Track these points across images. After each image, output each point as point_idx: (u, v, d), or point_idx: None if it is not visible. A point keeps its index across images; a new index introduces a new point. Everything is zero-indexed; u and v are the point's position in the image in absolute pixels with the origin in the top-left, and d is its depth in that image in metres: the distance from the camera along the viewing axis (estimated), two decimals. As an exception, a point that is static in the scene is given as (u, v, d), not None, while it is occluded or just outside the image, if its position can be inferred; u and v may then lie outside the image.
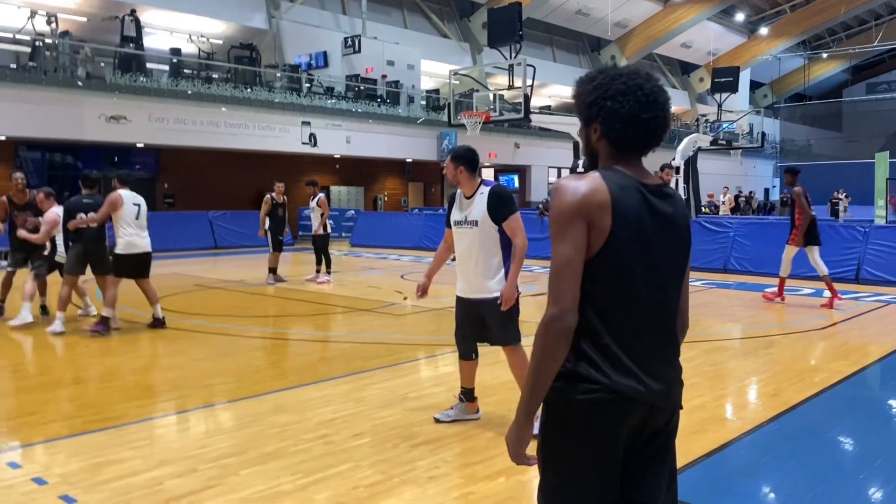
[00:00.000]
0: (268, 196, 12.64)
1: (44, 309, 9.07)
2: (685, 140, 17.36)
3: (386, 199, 28.65)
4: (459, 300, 4.80)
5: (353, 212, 24.11)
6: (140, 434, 4.69)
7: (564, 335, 1.88)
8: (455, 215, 4.75)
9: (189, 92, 20.38)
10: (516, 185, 31.32)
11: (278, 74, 23.98)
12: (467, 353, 4.89)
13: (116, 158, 21.41)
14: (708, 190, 27.93)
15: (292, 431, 4.68)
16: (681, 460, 4.11)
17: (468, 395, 4.95)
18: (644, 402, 1.94)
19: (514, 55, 15.07)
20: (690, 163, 17.08)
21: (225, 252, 19.33)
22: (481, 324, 4.70)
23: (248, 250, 19.54)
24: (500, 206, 4.52)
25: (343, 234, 22.77)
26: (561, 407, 1.96)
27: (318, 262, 12.75)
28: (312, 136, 22.84)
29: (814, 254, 9.63)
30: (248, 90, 21.97)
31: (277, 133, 22.04)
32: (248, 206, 23.16)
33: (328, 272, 12.75)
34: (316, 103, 23.45)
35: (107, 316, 7.82)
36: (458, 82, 18.89)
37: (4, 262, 10.54)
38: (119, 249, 8.21)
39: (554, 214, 1.94)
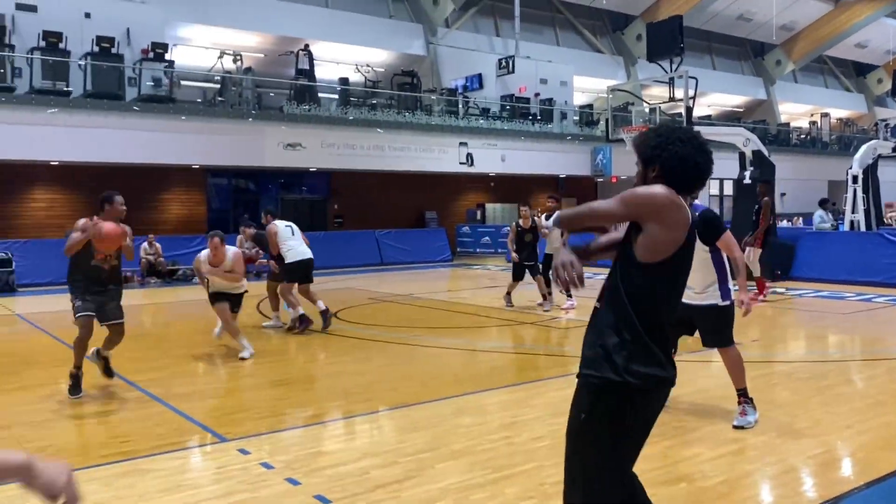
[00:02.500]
0: (513, 223, 11.88)
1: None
2: (863, 147, 16.31)
3: (540, 215, 28.87)
4: None
5: (507, 228, 24.56)
6: (344, 430, 5.26)
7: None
8: None
9: (354, 119, 21.74)
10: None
11: (435, 98, 25.00)
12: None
13: (287, 181, 23.20)
14: (887, 199, 25.89)
15: (477, 432, 5.07)
16: (867, 475, 4.10)
17: None
18: (671, 385, 2.50)
19: (674, 68, 14.92)
20: (870, 171, 16.03)
21: (390, 268, 20.35)
22: (687, 327, 5.22)
23: (412, 266, 20.53)
24: (708, 230, 4.87)
25: (499, 251, 23.25)
26: (617, 398, 2.42)
27: (548, 285, 11.28)
28: (469, 156, 23.60)
29: (756, 255, 11.35)
30: (410, 114, 23.12)
31: (437, 154, 22.97)
32: (410, 224, 24.29)
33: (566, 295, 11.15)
34: (472, 124, 24.23)
35: (297, 315, 9.35)
36: (612, 97, 18.87)
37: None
38: (289, 260, 9.51)
39: (651, 197, 2.38)
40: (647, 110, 17.71)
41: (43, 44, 17.52)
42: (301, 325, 9.27)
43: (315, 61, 23.28)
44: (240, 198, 23.07)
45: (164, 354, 8.21)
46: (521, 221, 11.61)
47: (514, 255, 11.57)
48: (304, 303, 9.51)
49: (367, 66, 25.93)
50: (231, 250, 8.01)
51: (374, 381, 6.72)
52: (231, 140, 19.33)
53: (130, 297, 14.34)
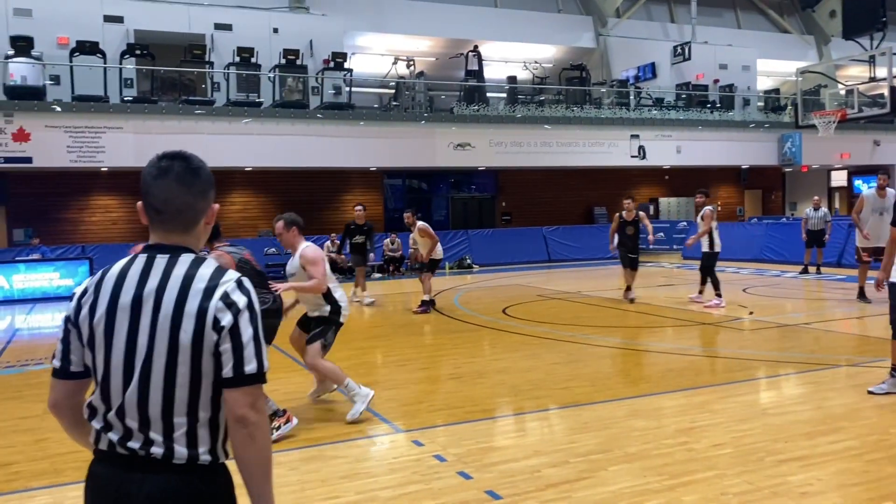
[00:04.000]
0: (616, 215, 12.30)
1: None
2: None
3: (719, 208, 27.38)
4: None
5: (684, 223, 23.48)
6: (514, 426, 5.27)
7: None
8: None
9: (522, 116, 21.73)
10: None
11: (605, 90, 24.40)
12: None
13: (456, 180, 23.64)
14: None
15: (652, 436, 4.87)
16: None
17: None
18: None
19: (875, 44, 13.51)
20: None
21: (558, 265, 20.16)
22: None
23: (580, 263, 20.19)
24: None
25: (675, 247, 22.30)
26: None
27: (703, 283, 11.41)
28: (641, 149, 22.82)
29: None
30: (578, 109, 22.75)
31: (606, 148, 22.43)
32: (578, 220, 23.90)
33: (717, 294, 11.00)
34: (644, 115, 23.40)
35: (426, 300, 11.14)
36: (802, 80, 17.44)
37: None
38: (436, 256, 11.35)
39: None
40: (842, 93, 16.14)
41: (237, 59, 19.09)
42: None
43: (484, 61, 23.54)
44: (413, 197, 23.85)
45: (344, 347, 8.62)
46: (624, 214, 12.03)
47: (612, 245, 12.20)
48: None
49: (535, 62, 25.83)
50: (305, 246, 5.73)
51: (543, 378, 6.67)
52: (405, 142, 20.02)
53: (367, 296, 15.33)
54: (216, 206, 1.92)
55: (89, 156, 16.75)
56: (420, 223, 11.28)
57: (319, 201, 21.08)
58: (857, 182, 27.71)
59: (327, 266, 5.64)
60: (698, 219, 11.37)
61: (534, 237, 21.39)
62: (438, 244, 11.33)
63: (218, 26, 20.25)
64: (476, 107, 21.44)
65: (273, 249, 17.81)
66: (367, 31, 23.58)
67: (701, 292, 11.46)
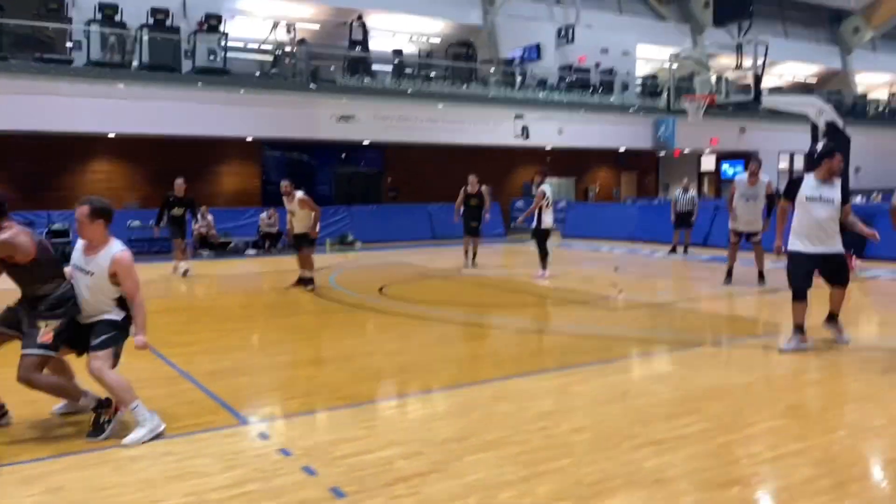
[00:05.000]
0: (462, 189, 13.91)
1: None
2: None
3: (597, 189, 28.11)
4: (809, 256, 6.42)
5: (564, 202, 23.93)
6: (371, 414, 4.97)
7: None
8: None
9: (408, 91, 21.36)
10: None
11: (492, 70, 24.37)
12: (804, 294, 6.47)
13: (345, 155, 23.06)
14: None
15: (513, 421, 4.71)
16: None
17: (801, 329, 6.49)
18: None
19: (742, 34, 14.02)
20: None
21: (443, 243, 20.03)
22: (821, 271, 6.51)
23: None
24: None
25: (554, 226, 22.68)
26: None
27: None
28: (525, 129, 22.97)
29: None
30: (465, 86, 22.61)
31: (491, 127, 22.43)
32: (463, 198, 23.82)
33: (543, 266, 12.07)
34: (529, 96, 23.56)
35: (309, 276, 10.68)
36: (677, 66, 17.98)
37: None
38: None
39: None
40: (712, 80, 16.79)
41: (99, 16, 17.63)
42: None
43: (370, 32, 22.94)
44: (294, 171, 23.01)
45: (205, 328, 8.10)
46: (469, 188, 13.71)
47: (456, 217, 13.90)
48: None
49: (423, 36, 25.45)
50: None
51: (411, 361, 6.42)
52: (285, 112, 19.22)
53: (185, 266, 14.47)
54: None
55: (-76, 115, 15.04)
56: (299, 193, 10.64)
57: (191, 172, 19.88)
58: (724, 166, 29.14)
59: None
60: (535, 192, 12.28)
61: (419, 214, 21.16)
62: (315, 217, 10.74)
63: (80, -20, 18.64)
64: (361, 78, 20.87)
65: (137, 222, 16.66)
66: (248, -7, 22.44)
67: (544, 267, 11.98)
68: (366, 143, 21.62)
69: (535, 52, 26.31)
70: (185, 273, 12.73)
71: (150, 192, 19.39)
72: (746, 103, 16.49)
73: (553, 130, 23.50)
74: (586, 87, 25.24)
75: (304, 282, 10.78)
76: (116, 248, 4.57)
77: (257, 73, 20.57)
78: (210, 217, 17.36)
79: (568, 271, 13.21)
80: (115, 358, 4.58)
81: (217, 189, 20.82)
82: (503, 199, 24.16)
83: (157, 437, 4.37)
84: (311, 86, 19.87)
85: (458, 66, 23.63)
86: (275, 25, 20.88)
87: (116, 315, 4.60)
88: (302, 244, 10.72)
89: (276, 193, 21.00)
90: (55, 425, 4.70)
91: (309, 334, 7.87)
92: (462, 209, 13.78)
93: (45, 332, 4.40)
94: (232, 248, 17.47)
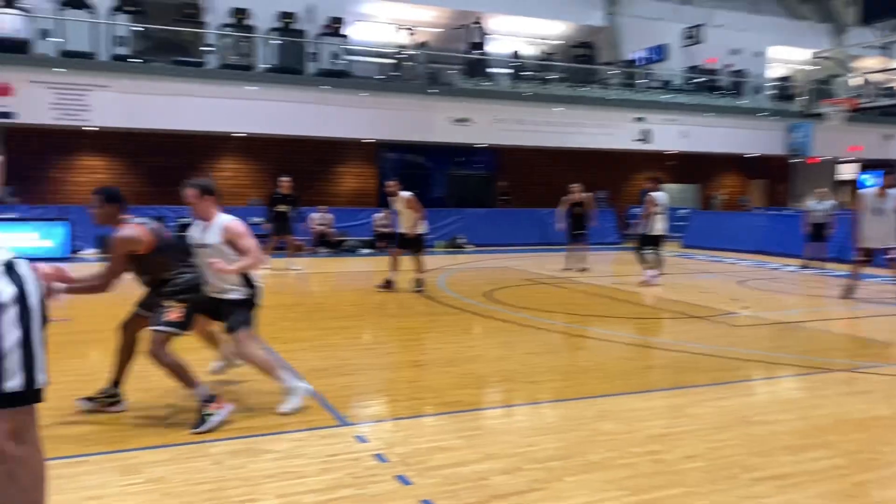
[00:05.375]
0: (564, 198, 14.24)
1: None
2: None
3: (723, 197, 26.80)
4: None
5: (686, 210, 22.94)
6: (470, 423, 4.82)
7: None
8: None
9: (527, 93, 21.13)
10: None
11: (613, 71, 23.73)
12: None
13: (462, 159, 23.12)
14: None
15: (619, 442, 4.43)
16: None
17: None
18: None
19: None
20: None
21: (554, 248, 19.66)
22: None
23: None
24: None
25: (673, 234, 21.77)
26: None
27: (643, 262, 12.37)
28: (646, 133, 22.22)
29: None
30: (584, 88, 22.13)
31: (610, 130, 21.86)
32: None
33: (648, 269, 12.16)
34: (651, 98, 22.79)
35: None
36: (816, 68, 16.80)
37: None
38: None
39: None
40: (855, 82, 15.52)
41: (231, 20, 18.47)
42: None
43: (488, 34, 22.86)
44: (410, 172, 23.29)
45: (314, 325, 8.22)
46: (572, 196, 14.01)
47: (559, 224, 14.39)
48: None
49: (542, 38, 25.12)
50: None
51: (514, 369, 6.23)
52: (402, 115, 19.46)
53: (299, 265, 14.91)
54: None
55: (74, 114, 16.25)
56: (406, 193, 10.70)
57: (312, 171, 20.55)
58: (864, 177, 27.08)
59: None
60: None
61: (530, 218, 20.87)
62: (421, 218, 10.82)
63: (213, -15, 19.61)
64: (478, 81, 20.84)
65: (259, 219, 17.29)
66: (372, -2, 22.86)
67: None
68: (480, 145, 21.56)
69: (660, 52, 25.39)
70: (298, 271, 13.19)
71: (273, 190, 20.11)
72: (893, 108, 15.14)
73: (676, 134, 22.61)
74: (714, 89, 24.13)
75: (390, 284, 10.71)
76: (224, 216, 4.88)
77: (378, 77, 20.95)
78: (329, 216, 17.82)
79: (686, 283, 12.58)
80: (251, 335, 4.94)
81: (336, 189, 21.36)
82: (619, 205, 23.47)
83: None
84: (432, 90, 20.01)
85: (578, 67, 23.17)
86: (397, 29, 21.19)
87: (241, 293, 4.85)
88: (405, 244, 10.77)
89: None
90: (163, 415, 4.84)
91: (414, 336, 7.83)
92: (566, 216, 14.16)
93: (172, 310, 4.63)
94: (348, 247, 17.84)
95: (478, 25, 22.47)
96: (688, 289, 11.82)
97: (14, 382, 1.23)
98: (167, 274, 4.72)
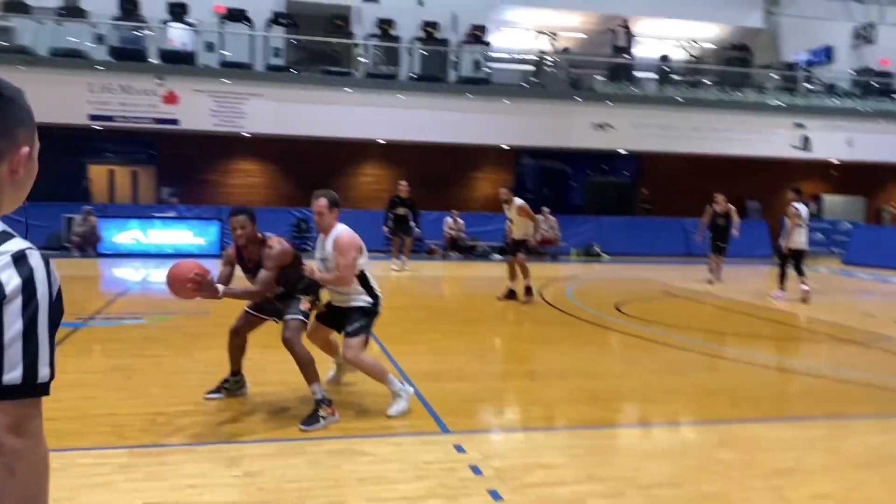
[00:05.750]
0: (708, 207, 13.86)
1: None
2: None
3: (893, 210, 24.41)
4: None
5: (848, 224, 21.10)
6: (575, 441, 4.58)
7: None
8: None
9: (674, 98, 20.27)
10: None
11: (771, 74, 22.27)
12: None
13: (595, 163, 22.56)
14: None
15: (739, 474, 4.04)
16: None
17: None
18: None
19: None
20: None
21: (697, 261, 18.69)
22: None
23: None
24: None
25: (833, 250, 20.09)
26: None
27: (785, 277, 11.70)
28: (806, 140, 20.65)
29: None
30: (737, 93, 20.93)
31: (765, 137, 20.50)
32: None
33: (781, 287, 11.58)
34: (813, 103, 21.16)
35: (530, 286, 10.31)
36: None
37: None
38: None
39: None
40: None
41: (377, 31, 19.05)
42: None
43: (635, 38, 22.17)
44: (547, 178, 23.03)
45: (433, 328, 8.23)
46: (716, 206, 13.67)
47: (699, 235, 14.15)
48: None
49: (693, 41, 24.02)
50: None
51: (633, 387, 5.89)
52: (541, 120, 19.25)
53: (428, 269, 15.10)
54: (25, 149, 1.41)
55: (231, 120, 17.36)
56: (518, 201, 10.56)
57: (448, 177, 20.77)
58: None
59: (364, 255, 4.95)
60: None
61: (672, 228, 19.97)
62: (534, 227, 10.64)
63: (365, -2, 20.36)
64: (620, 85, 20.24)
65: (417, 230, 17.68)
66: (516, 4, 22.84)
67: (782, 288, 11.49)
68: (621, 151, 20.91)
69: (825, 54, 23.58)
70: (401, 270, 13.72)
71: (414, 195, 20.50)
72: None
73: (841, 141, 20.84)
74: (886, 93, 22.04)
75: (513, 294, 10.48)
76: (339, 228, 4.92)
77: (518, 83, 20.87)
78: (461, 221, 17.92)
79: (842, 303, 11.52)
80: (366, 344, 4.95)
81: (471, 194, 21.46)
82: (773, 216, 21.94)
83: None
84: (575, 98, 19.67)
85: (732, 71, 21.94)
86: (537, 35, 21.03)
87: (364, 301, 4.91)
88: (518, 250, 10.56)
89: (529, 200, 21.26)
90: (275, 410, 4.96)
91: (531, 345, 7.64)
92: (709, 227, 13.87)
93: (304, 301, 4.88)
94: (479, 252, 17.86)
95: (624, 29, 21.86)
96: (843, 309, 10.80)
97: (14, 374, 1.20)
98: (301, 281, 4.93)
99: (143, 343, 6.94)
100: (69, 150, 19.28)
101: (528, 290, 10.36)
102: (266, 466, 3.94)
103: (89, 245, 14.99)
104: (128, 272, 13.19)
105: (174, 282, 4.29)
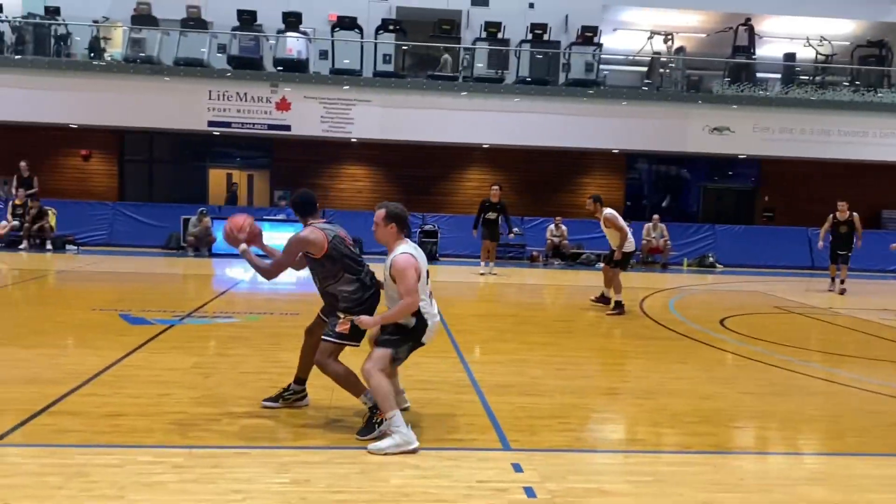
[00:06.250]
0: (830, 215, 13.67)
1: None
2: None
3: None
4: None
5: None
6: (645, 466, 4.26)
7: None
8: None
9: (800, 99, 19.01)
10: None
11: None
12: None
13: (711, 168, 21.47)
14: None
15: (824, 516, 3.61)
16: None
17: None
18: None
19: None
20: None
21: (823, 273, 17.41)
22: None
23: (853, 274, 17.22)
24: None
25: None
26: None
27: None
28: (954, 144, 18.84)
29: None
30: (873, 93, 19.37)
31: (904, 140, 18.87)
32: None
33: None
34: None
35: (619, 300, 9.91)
36: None
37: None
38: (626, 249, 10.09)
39: None
40: None
41: (484, 34, 18.98)
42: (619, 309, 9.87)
43: (758, 36, 20.95)
44: (660, 184, 22.17)
45: (516, 338, 8.00)
46: (837, 214, 13.44)
47: (820, 243, 13.76)
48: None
49: (823, 39, 22.42)
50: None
51: (721, 409, 5.45)
52: (653, 124, 18.57)
53: (525, 276, 14.83)
54: None
55: (339, 126, 17.79)
56: (606, 211, 10.12)
57: (553, 182, 20.40)
58: None
59: (423, 277, 4.58)
60: None
61: (796, 238, 18.70)
62: (630, 236, 10.11)
63: (475, 2, 20.37)
64: (740, 87, 19.18)
65: (516, 229, 17.53)
66: (632, 5, 22.13)
67: None
68: (740, 156, 19.81)
69: None
70: (486, 274, 13.98)
71: (517, 200, 20.29)
72: None
73: None
74: None
75: (605, 300, 10.23)
76: (398, 250, 4.58)
77: (630, 86, 20.23)
78: (563, 227, 17.53)
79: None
80: (394, 361, 4.57)
81: (578, 200, 20.95)
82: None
83: (403, 453, 4.21)
84: (691, 100, 18.83)
85: (868, 69, 20.32)
86: (650, 36, 20.29)
87: (408, 320, 4.56)
88: (613, 262, 10.13)
89: (636, 208, 20.56)
90: (334, 417, 4.91)
91: (617, 360, 7.27)
92: (829, 236, 13.65)
93: (342, 322, 4.60)
94: (583, 260, 17.39)
95: (748, 27, 20.72)
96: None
97: None
98: (333, 282, 4.67)
99: (228, 342, 7.13)
100: (190, 154, 20.43)
101: (617, 305, 9.92)
102: (314, 475, 3.88)
103: (203, 245, 15.75)
104: (235, 272, 13.72)
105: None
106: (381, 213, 4.67)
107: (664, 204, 22.26)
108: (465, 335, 6.47)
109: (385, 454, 4.19)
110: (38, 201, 16.17)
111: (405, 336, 4.57)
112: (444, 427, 4.75)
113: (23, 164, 17.05)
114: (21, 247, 15.64)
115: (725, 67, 20.24)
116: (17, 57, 17.39)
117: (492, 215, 14.38)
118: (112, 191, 19.52)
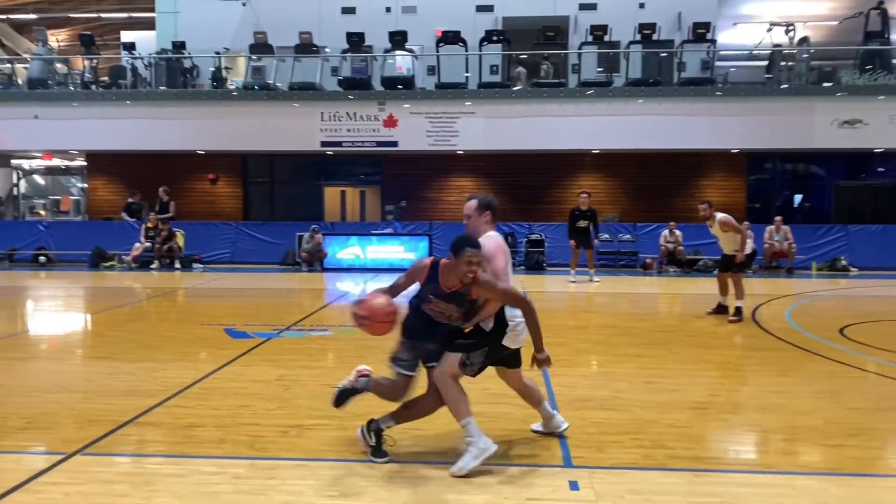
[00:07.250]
0: None
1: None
2: None
3: None
4: None
5: None
6: (713, 487, 3.96)
7: None
8: None
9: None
10: None
11: None
12: None
13: (844, 165, 19.94)
14: None
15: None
16: None
17: None
18: None
19: None
20: None
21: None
22: None
23: None
24: None
25: None
26: None
27: None
28: None
29: None
30: None
31: None
32: None
33: None
34: None
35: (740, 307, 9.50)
36: None
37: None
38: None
39: None
40: None
41: (590, 38, 18.63)
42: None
43: (893, 20, 19.30)
44: (786, 184, 20.83)
45: (610, 350, 7.73)
46: None
47: None
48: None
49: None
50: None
51: (818, 426, 5.01)
52: (774, 120, 17.53)
53: (633, 285, 14.33)
54: None
55: (444, 139, 17.98)
56: (720, 216, 9.65)
57: (670, 186, 19.64)
58: None
59: (509, 268, 4.42)
60: None
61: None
62: (750, 239, 9.58)
63: (583, 6, 20.07)
64: (875, 76, 17.72)
65: (606, 236, 17.09)
66: (750, -2, 21.08)
67: None
68: (876, 150, 18.29)
69: None
70: (584, 282, 13.90)
71: (630, 206, 19.73)
72: None
73: None
74: None
75: (722, 309, 9.82)
76: (489, 234, 4.46)
77: (749, 82, 19.19)
78: (678, 233, 16.82)
79: None
80: (464, 367, 4.31)
81: (695, 204, 20.04)
82: None
83: (486, 460, 4.11)
84: (818, 93, 17.64)
85: None
86: (769, 28, 19.17)
87: (486, 323, 4.38)
88: (730, 267, 9.64)
89: (760, 210, 19.41)
90: (396, 432, 4.90)
91: (714, 372, 6.84)
92: None
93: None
94: (700, 267, 16.60)
95: (881, 10, 19.15)
96: None
97: None
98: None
99: (316, 354, 7.34)
100: (307, 174, 21.32)
101: (738, 311, 9.49)
102: (366, 488, 3.90)
103: (316, 260, 16.36)
104: (344, 286, 14.13)
105: (373, 321, 4.22)
106: (472, 203, 4.62)
107: (796, 205, 20.94)
108: (555, 348, 6.23)
109: (468, 473, 4.06)
110: (169, 224, 17.40)
111: (485, 341, 4.36)
112: (510, 443, 4.64)
113: (161, 190, 18.50)
114: (152, 266, 16.87)
115: (856, 56, 18.78)
116: (149, 90, 18.84)
117: (582, 223, 14.34)
118: (237, 211, 20.68)
